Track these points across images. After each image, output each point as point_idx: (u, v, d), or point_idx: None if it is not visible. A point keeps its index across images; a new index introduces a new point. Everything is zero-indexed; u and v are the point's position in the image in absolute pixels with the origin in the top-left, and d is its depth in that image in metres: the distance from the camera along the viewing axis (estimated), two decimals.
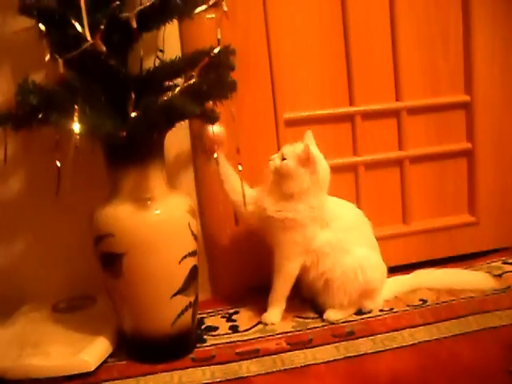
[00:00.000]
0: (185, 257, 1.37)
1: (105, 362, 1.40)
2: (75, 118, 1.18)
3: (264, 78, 1.71)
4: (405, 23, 1.78)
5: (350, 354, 1.37)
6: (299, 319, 1.59)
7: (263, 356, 1.40)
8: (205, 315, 1.65)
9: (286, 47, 1.72)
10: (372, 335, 1.46)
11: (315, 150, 1.52)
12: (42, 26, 1.22)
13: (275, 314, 1.57)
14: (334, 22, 1.75)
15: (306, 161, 1.47)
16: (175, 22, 1.46)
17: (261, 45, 1.69)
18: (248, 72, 1.66)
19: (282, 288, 1.57)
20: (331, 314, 1.56)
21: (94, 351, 1.38)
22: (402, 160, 1.85)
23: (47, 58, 1.23)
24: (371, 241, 1.61)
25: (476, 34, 1.81)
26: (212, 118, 1.47)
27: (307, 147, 1.47)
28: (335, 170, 1.78)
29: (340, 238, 1.53)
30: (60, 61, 1.21)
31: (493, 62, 1.84)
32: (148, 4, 1.27)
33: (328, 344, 1.43)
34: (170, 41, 1.57)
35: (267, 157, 1.64)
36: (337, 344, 1.43)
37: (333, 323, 1.54)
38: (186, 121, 1.61)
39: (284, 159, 1.49)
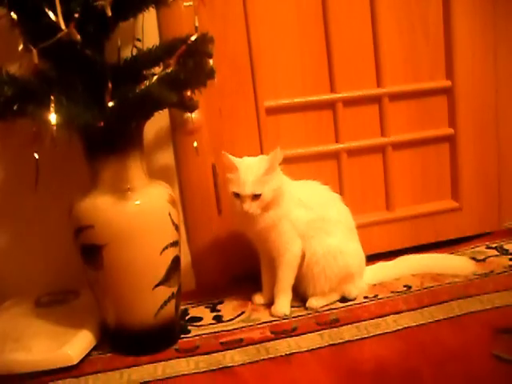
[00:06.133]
0: (166, 247, 1.36)
1: (88, 355, 1.40)
2: (52, 109, 1.16)
3: (244, 66, 1.70)
4: (385, 9, 1.77)
5: (334, 342, 1.37)
6: None
7: (247, 345, 1.40)
8: (189, 306, 1.65)
9: (266, 34, 1.70)
10: (356, 322, 1.46)
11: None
12: (13, 15, 1.20)
13: (284, 304, 1.55)
14: (314, 8, 1.73)
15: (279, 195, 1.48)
16: (153, 10, 1.44)
17: (240, 32, 1.68)
18: (227, 60, 1.65)
19: (287, 276, 1.55)
20: (314, 302, 1.56)
21: (76, 345, 1.37)
22: (384, 146, 1.85)
23: (20, 47, 1.21)
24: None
25: (456, 20, 1.81)
26: (190, 107, 1.46)
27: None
28: (317, 157, 1.79)
29: (320, 215, 1.54)
30: (34, 51, 1.19)
31: (473, 47, 1.84)
32: None
33: (312, 332, 1.43)
34: (148, 30, 1.54)
35: (248, 146, 1.63)
36: (321, 332, 1.43)
37: (316, 311, 1.54)
38: (166, 110, 1.59)
39: (256, 196, 1.44)
